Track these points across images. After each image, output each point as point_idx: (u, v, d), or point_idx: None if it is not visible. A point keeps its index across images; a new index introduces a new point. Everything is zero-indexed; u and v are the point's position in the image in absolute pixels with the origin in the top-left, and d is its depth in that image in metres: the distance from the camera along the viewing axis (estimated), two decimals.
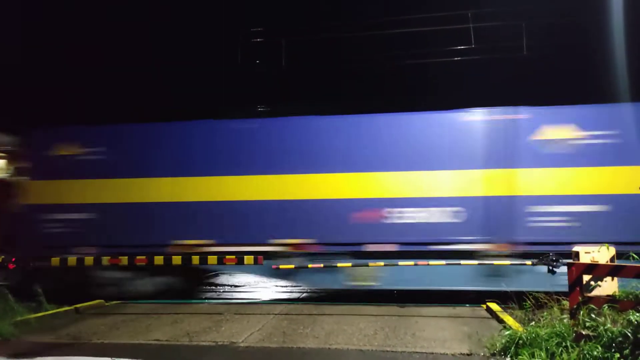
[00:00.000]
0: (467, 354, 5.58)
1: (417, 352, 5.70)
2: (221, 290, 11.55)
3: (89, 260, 9.00)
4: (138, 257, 8.90)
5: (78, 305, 8.55)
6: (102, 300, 9.19)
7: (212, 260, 8.91)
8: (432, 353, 5.66)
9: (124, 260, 8.91)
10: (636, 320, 4.49)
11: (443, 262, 8.30)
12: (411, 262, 8.33)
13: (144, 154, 9.67)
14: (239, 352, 5.86)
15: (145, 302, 9.30)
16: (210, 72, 14.94)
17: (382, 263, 8.50)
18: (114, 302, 9.28)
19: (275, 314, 7.99)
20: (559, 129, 8.51)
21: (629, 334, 4.46)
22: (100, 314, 8.35)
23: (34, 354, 5.70)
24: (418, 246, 8.63)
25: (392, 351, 5.76)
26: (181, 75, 14.78)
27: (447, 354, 5.63)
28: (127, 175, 9.61)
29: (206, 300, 9.88)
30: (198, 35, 15.01)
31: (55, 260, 9.01)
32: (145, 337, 6.58)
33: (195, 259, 8.92)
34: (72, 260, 9.01)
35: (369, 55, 13.14)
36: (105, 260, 8.95)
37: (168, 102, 13.95)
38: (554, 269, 7.94)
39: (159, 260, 8.89)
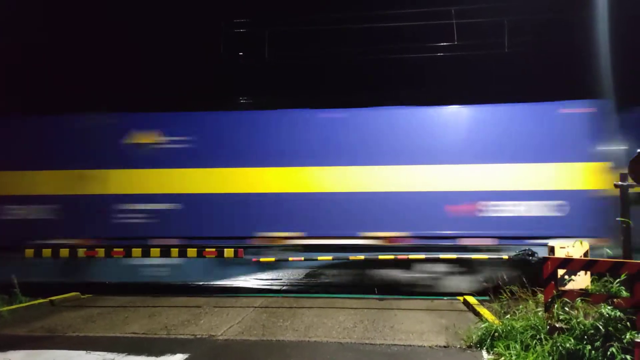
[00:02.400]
0: (444, 346, 5.66)
1: (395, 345, 5.76)
2: (200, 283, 11.44)
3: None
4: None
5: (53, 298, 8.40)
6: (78, 293, 9.03)
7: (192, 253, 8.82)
8: (410, 345, 5.73)
9: None
10: (607, 314, 4.61)
11: (422, 255, 8.44)
12: (391, 256, 8.41)
13: None
14: (218, 345, 5.82)
15: (122, 295, 9.17)
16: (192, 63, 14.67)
17: (362, 256, 8.56)
18: (90, 294, 9.13)
19: (255, 307, 7.97)
20: None
21: (600, 327, 4.58)
22: (76, 306, 8.20)
23: (6, 347, 5.58)
24: None
25: (370, 344, 5.81)
26: (160, 65, 14.49)
27: (424, 346, 5.70)
28: None
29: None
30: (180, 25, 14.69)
31: None
32: (122, 330, 6.49)
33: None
34: None
35: (352, 48, 13.10)
36: None
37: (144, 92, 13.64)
38: (530, 263, 8.08)
39: None
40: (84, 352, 5.49)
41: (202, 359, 5.35)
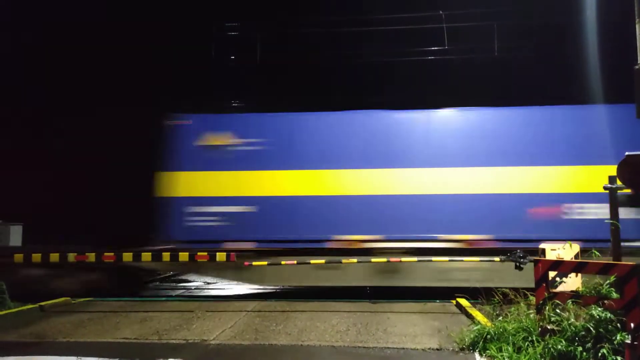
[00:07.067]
0: (437, 349, 5.67)
1: (388, 348, 5.76)
2: (193, 288, 11.39)
3: None
4: None
5: (43, 303, 8.28)
6: (69, 298, 8.92)
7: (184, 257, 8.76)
8: (403, 348, 5.73)
9: None
10: (598, 315, 4.65)
11: (415, 258, 8.47)
12: (384, 259, 8.43)
13: None
14: (210, 350, 5.78)
15: (114, 300, 9.09)
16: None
17: (355, 260, 8.57)
18: (81, 299, 9.04)
19: (248, 311, 7.93)
20: None
21: (591, 328, 4.61)
22: (66, 311, 8.10)
23: None
24: None
25: (364, 347, 5.80)
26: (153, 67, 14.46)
27: (417, 349, 5.71)
28: None
29: (177, 298, 9.72)
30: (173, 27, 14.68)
31: None
32: (113, 336, 6.43)
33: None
34: None
35: (343, 52, 13.21)
36: None
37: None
38: (521, 266, 8.13)
39: None
40: (75, 357, 5.42)
41: None
